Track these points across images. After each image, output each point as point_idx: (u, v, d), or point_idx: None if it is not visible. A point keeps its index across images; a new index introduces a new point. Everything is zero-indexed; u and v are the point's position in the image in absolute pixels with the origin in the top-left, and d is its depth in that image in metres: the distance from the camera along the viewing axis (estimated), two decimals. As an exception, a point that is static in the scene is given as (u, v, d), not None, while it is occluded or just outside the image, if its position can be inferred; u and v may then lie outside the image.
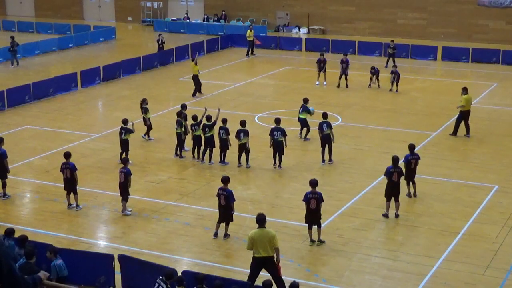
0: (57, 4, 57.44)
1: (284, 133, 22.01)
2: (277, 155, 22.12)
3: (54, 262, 14.26)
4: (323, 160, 22.55)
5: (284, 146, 22.09)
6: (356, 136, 25.73)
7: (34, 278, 7.28)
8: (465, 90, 25.53)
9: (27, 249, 13.66)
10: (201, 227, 18.02)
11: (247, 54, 41.40)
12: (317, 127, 22.64)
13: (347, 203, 19.46)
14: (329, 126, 22.35)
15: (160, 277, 13.40)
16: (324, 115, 22.77)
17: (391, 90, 32.06)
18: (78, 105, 30.43)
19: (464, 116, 25.19)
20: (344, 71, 32.92)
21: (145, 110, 24.83)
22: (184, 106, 24.13)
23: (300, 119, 24.91)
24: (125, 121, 22.79)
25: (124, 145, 22.50)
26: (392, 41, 37.64)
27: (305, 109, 24.76)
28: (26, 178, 21.77)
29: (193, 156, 22.95)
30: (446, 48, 40.32)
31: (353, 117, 28.06)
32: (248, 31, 41.93)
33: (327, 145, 22.44)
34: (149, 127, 24.94)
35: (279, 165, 22.14)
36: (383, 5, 47.51)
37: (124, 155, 22.31)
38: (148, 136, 24.97)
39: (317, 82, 33.78)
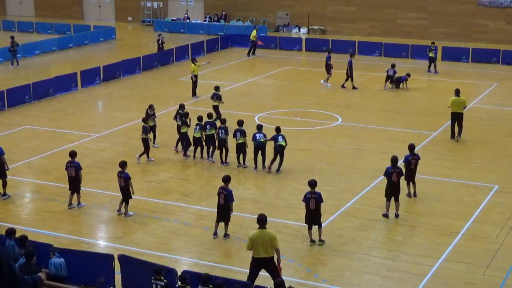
0: (57, 4, 57.44)
1: (265, 136, 21.94)
2: (261, 156, 22.03)
3: (51, 260, 14.27)
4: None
5: (246, 147, 22.04)
6: (356, 136, 25.73)
7: (34, 278, 7.29)
8: (455, 92, 25.07)
9: (28, 250, 13.67)
10: (201, 227, 18.01)
11: (248, 54, 41.42)
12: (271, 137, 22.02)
13: (347, 203, 19.45)
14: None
15: (152, 277, 13.47)
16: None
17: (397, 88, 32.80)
18: (78, 105, 30.42)
19: (453, 118, 24.85)
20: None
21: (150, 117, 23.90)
22: (182, 106, 24.15)
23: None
24: (145, 120, 22.93)
25: (145, 144, 22.68)
26: (433, 43, 36.86)
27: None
28: (26, 178, 21.77)
29: (194, 156, 22.99)
30: (446, 48, 40.29)
31: (353, 117, 28.06)
32: (254, 31, 42.04)
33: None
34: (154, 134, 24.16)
35: (264, 166, 22.00)
36: (383, 5, 47.50)
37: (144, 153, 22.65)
38: (153, 142, 24.11)
39: (328, 84, 33.42)
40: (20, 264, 13.43)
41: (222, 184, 17.27)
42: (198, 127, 22.69)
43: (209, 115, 22.61)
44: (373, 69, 36.58)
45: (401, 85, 32.81)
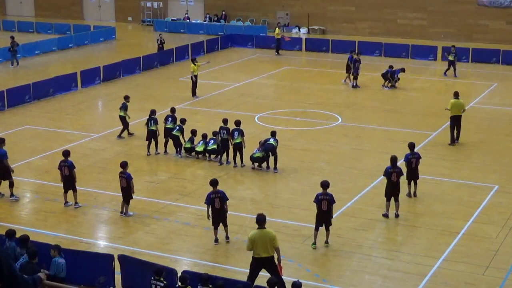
0: (57, 4, 57.45)
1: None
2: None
3: (56, 259, 14.27)
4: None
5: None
6: (356, 136, 25.72)
7: (34, 278, 7.29)
8: (454, 95, 24.96)
9: (31, 250, 13.68)
10: (201, 227, 18.00)
11: (277, 52, 41.79)
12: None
13: (347, 203, 19.44)
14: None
15: (152, 277, 13.46)
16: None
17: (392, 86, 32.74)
18: (78, 105, 30.42)
19: (453, 121, 24.75)
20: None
21: (154, 121, 23.51)
22: (173, 110, 24.23)
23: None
24: (179, 120, 23.28)
25: (175, 140, 22.98)
26: (453, 46, 36.03)
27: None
28: (26, 178, 21.76)
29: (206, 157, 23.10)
30: (446, 48, 40.16)
31: (353, 117, 28.06)
32: (277, 28, 42.52)
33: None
34: (156, 140, 23.61)
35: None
36: (383, 5, 47.51)
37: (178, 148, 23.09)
38: (156, 150, 23.60)
39: (345, 81, 33.60)
40: (22, 263, 13.44)
41: (212, 188, 16.79)
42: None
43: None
44: (373, 69, 36.55)
45: (396, 84, 32.81)
